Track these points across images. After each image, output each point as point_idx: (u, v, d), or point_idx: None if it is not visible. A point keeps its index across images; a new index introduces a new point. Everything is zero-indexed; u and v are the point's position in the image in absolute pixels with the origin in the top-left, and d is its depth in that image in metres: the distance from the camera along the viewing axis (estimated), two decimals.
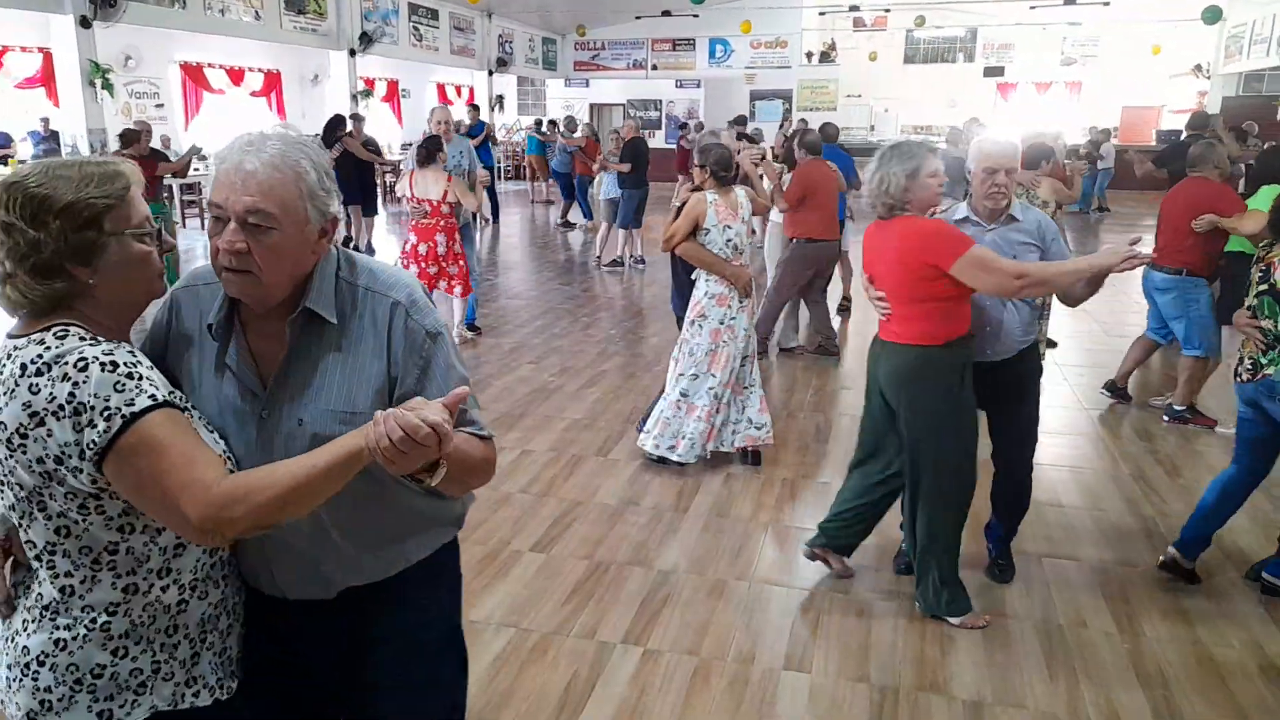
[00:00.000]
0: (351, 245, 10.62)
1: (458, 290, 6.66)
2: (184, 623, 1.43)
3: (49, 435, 1.25)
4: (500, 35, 19.57)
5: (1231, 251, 4.79)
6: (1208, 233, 4.84)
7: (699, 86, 22.03)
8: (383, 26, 15.20)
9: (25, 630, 1.38)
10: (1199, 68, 18.58)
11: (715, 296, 4.42)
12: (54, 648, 1.35)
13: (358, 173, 10.67)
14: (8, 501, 1.34)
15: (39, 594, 1.38)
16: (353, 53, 14.57)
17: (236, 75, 16.00)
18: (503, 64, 19.66)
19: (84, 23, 9.74)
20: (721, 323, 4.42)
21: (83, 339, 1.30)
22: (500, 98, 20.54)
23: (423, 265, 6.52)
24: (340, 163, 10.37)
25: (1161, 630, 3.15)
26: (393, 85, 19.30)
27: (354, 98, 14.69)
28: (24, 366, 1.27)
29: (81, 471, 1.26)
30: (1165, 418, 5.29)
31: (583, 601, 3.32)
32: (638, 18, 20.89)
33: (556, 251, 12.20)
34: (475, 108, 14.21)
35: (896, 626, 3.19)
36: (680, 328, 4.73)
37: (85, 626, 1.35)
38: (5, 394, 1.27)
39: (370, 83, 16.82)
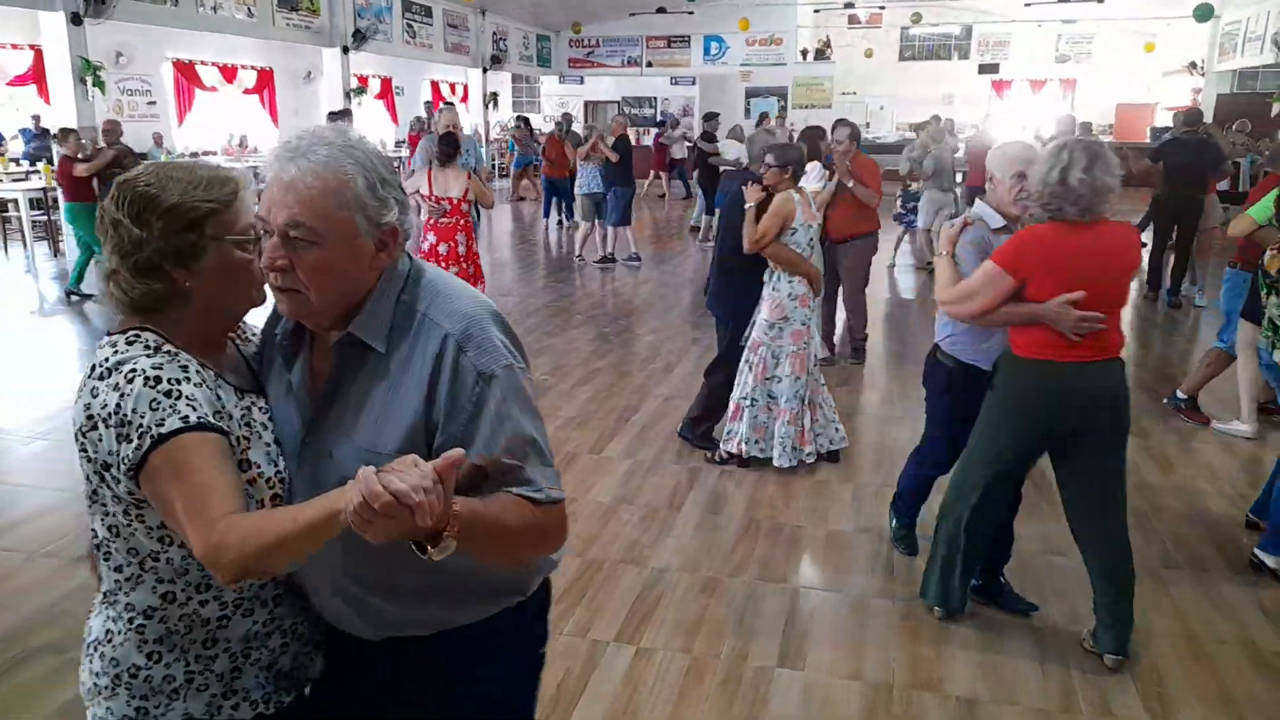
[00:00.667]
0: None
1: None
2: (225, 637, 1.39)
3: (100, 440, 1.27)
4: (494, 32, 19.54)
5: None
6: None
7: (694, 84, 22.03)
8: (376, 24, 15.17)
9: (93, 610, 1.43)
10: (1193, 65, 18.61)
11: (798, 298, 4.36)
12: (104, 636, 1.39)
13: None
14: (84, 490, 1.38)
15: (104, 579, 1.42)
16: (346, 50, 14.53)
17: (229, 73, 15.96)
18: (497, 61, 19.64)
19: (75, 19, 9.70)
20: (803, 324, 4.39)
21: (146, 347, 1.30)
22: (495, 95, 20.52)
23: (444, 265, 6.51)
24: None
25: (1155, 625, 3.15)
26: (386, 83, 19.27)
27: (348, 95, 14.65)
28: (94, 368, 1.30)
29: (120, 482, 1.27)
30: (1165, 399, 5.44)
31: (575, 600, 3.30)
32: (632, 15, 20.88)
33: (549, 250, 12.18)
34: (449, 105, 14.13)
35: (889, 624, 3.18)
36: (724, 330, 4.63)
37: (125, 624, 1.37)
38: (79, 391, 1.31)
39: (364, 80, 16.80)
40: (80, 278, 8.23)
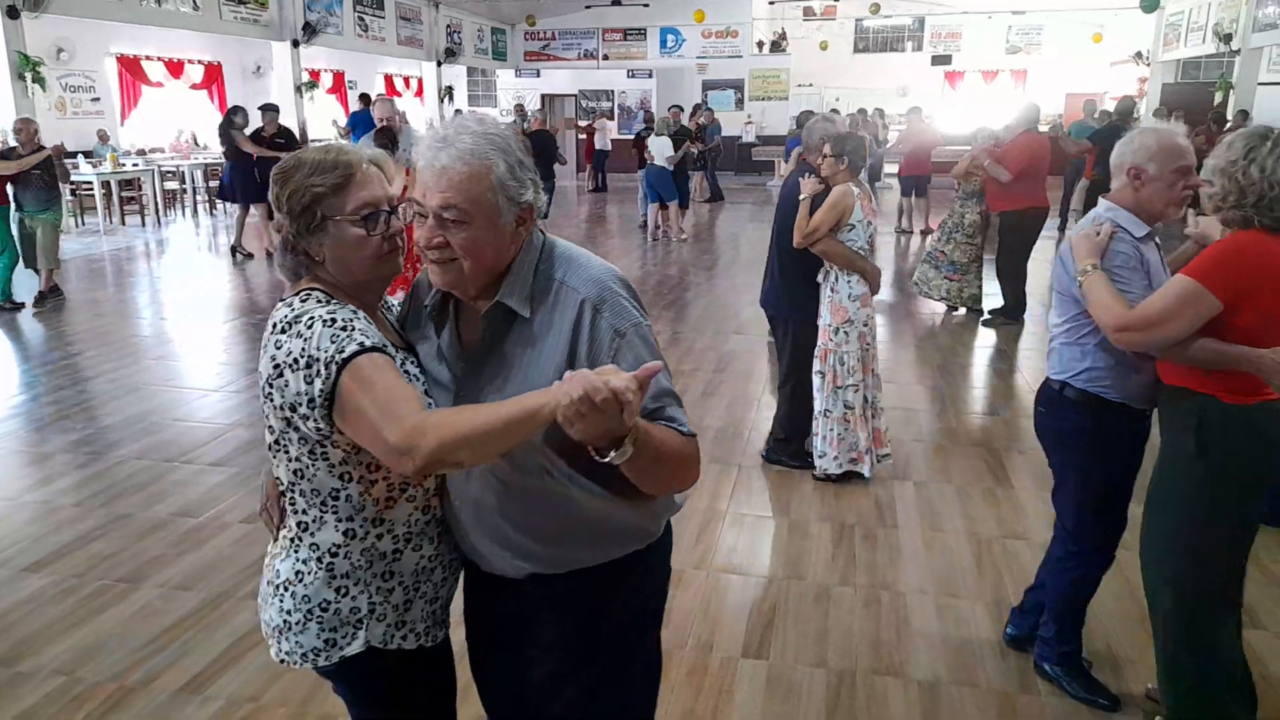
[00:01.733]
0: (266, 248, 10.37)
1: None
2: (399, 570, 1.57)
3: (286, 386, 1.43)
4: (448, 25, 19.31)
5: None
6: None
7: (650, 76, 21.98)
8: (326, 17, 14.89)
9: (281, 554, 1.59)
10: (1139, 55, 19.00)
11: (859, 298, 4.12)
12: (294, 577, 1.55)
13: (266, 168, 10.37)
14: (267, 441, 1.56)
15: (289, 524, 1.58)
16: (296, 44, 14.26)
17: (176, 68, 15.61)
18: (451, 54, 19.42)
19: (11, 13, 9.40)
20: (865, 325, 4.17)
21: (319, 301, 1.49)
22: (449, 88, 20.29)
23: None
24: (243, 158, 10.09)
25: (1109, 606, 3.20)
26: (339, 77, 18.98)
27: (298, 90, 14.39)
28: (274, 325, 1.48)
29: (310, 419, 1.42)
30: None
31: None
32: (588, 7, 20.77)
33: None
34: (365, 96, 13.87)
35: (852, 611, 3.20)
36: (786, 332, 4.40)
37: (315, 564, 1.54)
38: (263, 349, 1.49)
39: (315, 74, 16.51)
40: (4, 288, 7.77)
